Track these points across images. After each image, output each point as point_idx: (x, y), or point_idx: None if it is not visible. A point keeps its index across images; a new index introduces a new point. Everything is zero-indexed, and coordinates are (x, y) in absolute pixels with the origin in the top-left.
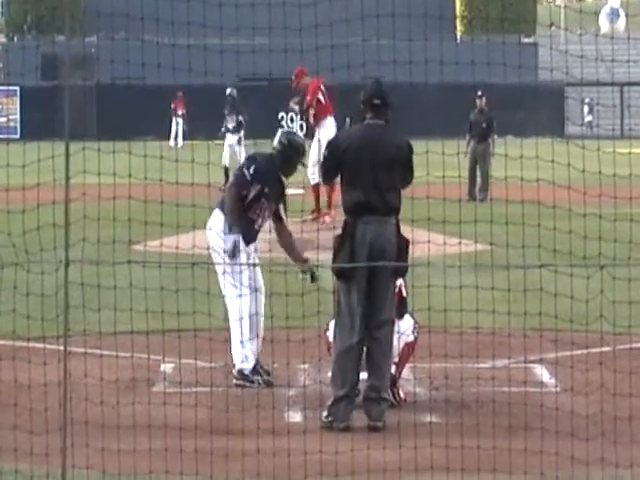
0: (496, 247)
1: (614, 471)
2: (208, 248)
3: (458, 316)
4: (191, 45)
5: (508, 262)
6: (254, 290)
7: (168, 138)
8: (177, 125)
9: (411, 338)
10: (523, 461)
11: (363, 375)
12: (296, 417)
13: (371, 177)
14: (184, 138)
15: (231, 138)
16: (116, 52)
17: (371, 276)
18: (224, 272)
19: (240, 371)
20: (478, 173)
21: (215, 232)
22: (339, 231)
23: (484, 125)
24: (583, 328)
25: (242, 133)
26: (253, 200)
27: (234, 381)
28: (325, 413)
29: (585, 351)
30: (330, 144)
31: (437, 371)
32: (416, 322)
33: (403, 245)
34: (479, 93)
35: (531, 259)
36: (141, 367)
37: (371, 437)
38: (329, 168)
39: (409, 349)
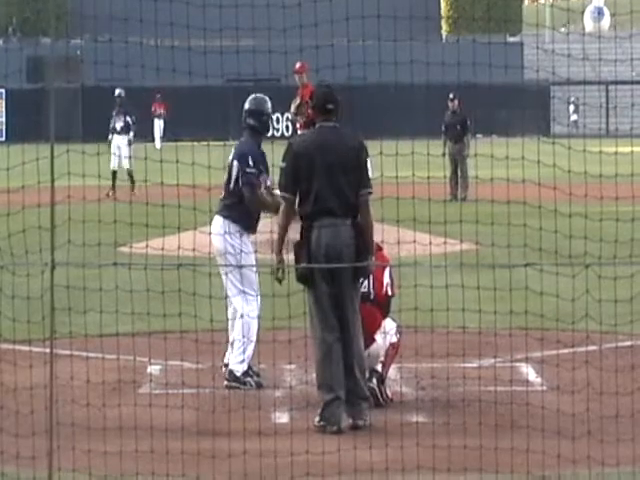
0: (482, 246)
1: (601, 469)
2: (209, 252)
3: (444, 316)
4: (175, 46)
5: (494, 261)
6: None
7: (153, 140)
8: (158, 127)
9: (394, 339)
10: (510, 460)
11: None
12: (283, 418)
13: (326, 179)
14: (161, 139)
15: (118, 139)
16: (100, 54)
17: (331, 279)
18: (239, 275)
19: (231, 372)
20: (459, 174)
21: (220, 236)
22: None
23: (458, 127)
24: (569, 327)
25: (131, 135)
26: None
27: (225, 383)
28: (317, 418)
29: (571, 350)
30: (285, 153)
31: (424, 371)
32: (399, 325)
33: (362, 246)
34: (451, 96)
35: (517, 258)
36: (127, 369)
37: (358, 437)
38: (288, 176)
39: (394, 349)
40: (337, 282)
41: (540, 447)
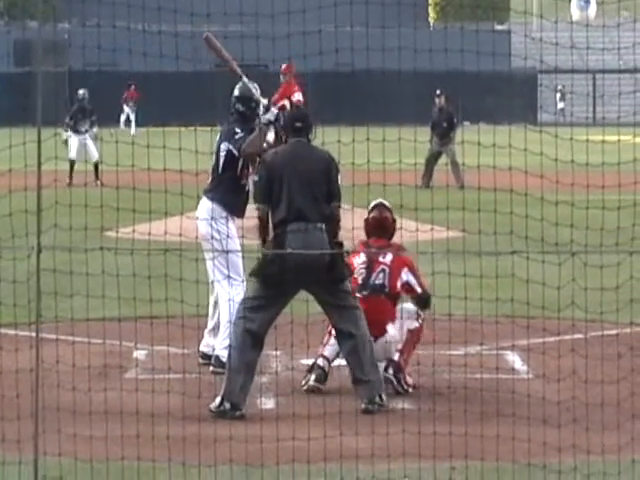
0: (468, 234)
1: (586, 457)
2: (196, 237)
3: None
4: (162, 31)
5: (480, 249)
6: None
7: (118, 124)
8: (128, 113)
9: (413, 325)
10: (495, 447)
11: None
12: (269, 404)
13: (297, 186)
14: (137, 124)
15: (82, 136)
16: (88, 38)
17: (299, 279)
18: (224, 259)
19: (218, 358)
20: (443, 161)
21: (204, 220)
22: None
23: (445, 125)
24: (555, 315)
25: (95, 129)
26: (244, 165)
27: (211, 368)
28: (217, 401)
29: (557, 338)
30: (259, 166)
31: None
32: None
33: (336, 252)
34: (438, 92)
35: (503, 246)
36: (113, 354)
37: (344, 424)
38: (261, 187)
39: (413, 335)
40: (310, 282)
41: (525, 435)
